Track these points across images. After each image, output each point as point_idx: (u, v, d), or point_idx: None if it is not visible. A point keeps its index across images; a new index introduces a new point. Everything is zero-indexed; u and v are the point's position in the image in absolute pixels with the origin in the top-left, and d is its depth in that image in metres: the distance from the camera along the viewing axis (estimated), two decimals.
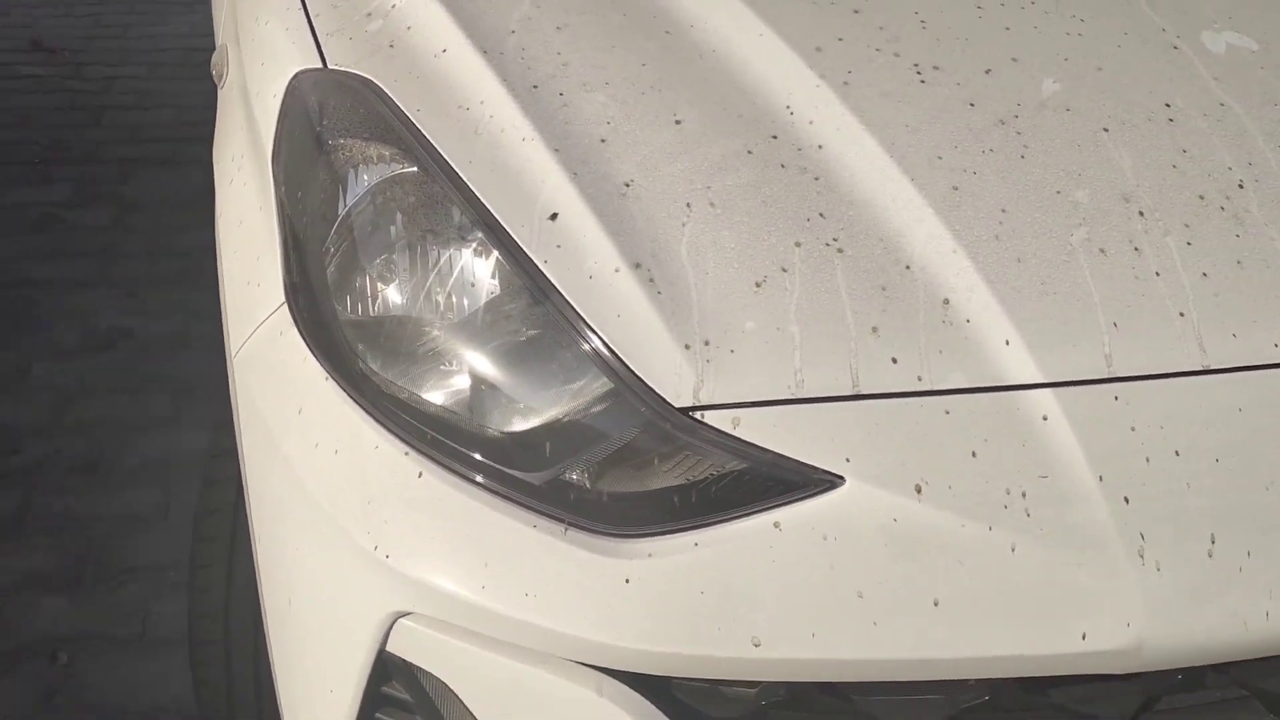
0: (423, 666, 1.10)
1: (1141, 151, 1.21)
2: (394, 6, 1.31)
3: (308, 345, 1.15)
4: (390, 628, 1.08)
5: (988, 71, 1.27)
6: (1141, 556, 1.02)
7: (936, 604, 1.00)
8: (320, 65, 1.29)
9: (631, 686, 1.04)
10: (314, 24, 1.33)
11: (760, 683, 1.05)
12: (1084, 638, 1.01)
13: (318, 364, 1.14)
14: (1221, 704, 1.14)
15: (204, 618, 1.48)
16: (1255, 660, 1.09)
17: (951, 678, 1.04)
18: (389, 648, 1.09)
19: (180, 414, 2.53)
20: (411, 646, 1.09)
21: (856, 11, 1.33)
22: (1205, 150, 1.22)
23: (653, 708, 1.05)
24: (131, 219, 3.26)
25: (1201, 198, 1.17)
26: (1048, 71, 1.28)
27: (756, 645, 1.00)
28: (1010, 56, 1.29)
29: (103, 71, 4.15)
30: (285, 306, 1.19)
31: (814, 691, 1.06)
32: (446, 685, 1.09)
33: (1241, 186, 1.19)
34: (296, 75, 1.29)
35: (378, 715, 1.14)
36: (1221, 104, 1.27)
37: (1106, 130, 1.22)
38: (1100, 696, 1.09)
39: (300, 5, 1.36)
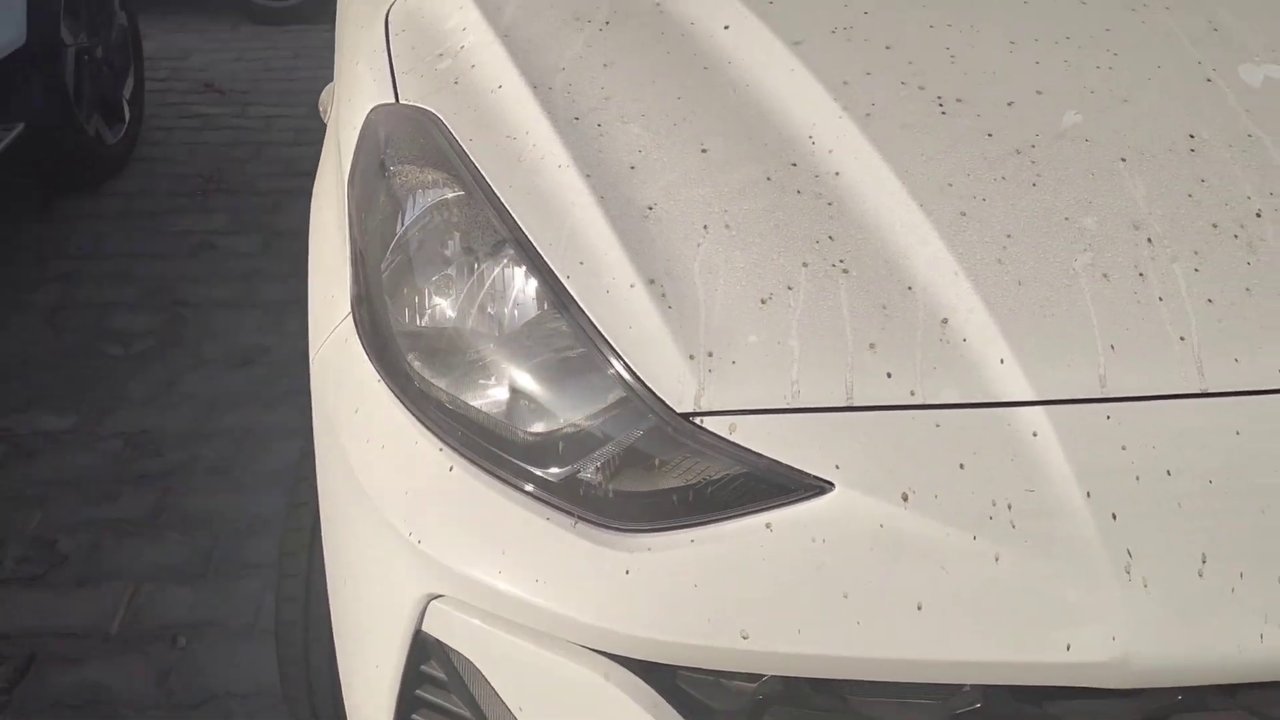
0: (454, 647, 1.17)
1: (1157, 181, 1.21)
2: (462, 48, 1.43)
3: (365, 351, 1.26)
4: (425, 609, 1.17)
5: (1010, 104, 1.29)
6: (1128, 572, 1.03)
7: (920, 608, 1.03)
8: (393, 100, 1.40)
9: (638, 675, 1.10)
10: (393, 64, 1.45)
11: (761, 678, 1.09)
12: (1068, 649, 1.02)
13: (372, 368, 1.24)
14: None
15: (288, 600, 1.61)
16: (1266, 686, 1.09)
17: (936, 680, 1.06)
18: (424, 628, 1.18)
19: (308, 426, 2.70)
20: (444, 627, 1.17)
21: (888, 48, 1.37)
22: (1225, 180, 1.22)
23: (657, 695, 1.10)
24: (278, 246, 3.51)
25: (1215, 226, 1.17)
26: (1071, 104, 1.29)
27: (745, 638, 1.04)
28: (1035, 89, 1.31)
29: (265, 111, 4.46)
30: (351, 316, 1.31)
31: (809, 689, 1.10)
32: (475, 665, 1.17)
33: (1259, 215, 1.18)
34: (373, 109, 1.41)
35: (418, 692, 1.23)
36: (1249, 135, 1.26)
37: (1124, 160, 1.23)
38: (1097, 712, 1.09)
39: (385, 48, 1.49)
